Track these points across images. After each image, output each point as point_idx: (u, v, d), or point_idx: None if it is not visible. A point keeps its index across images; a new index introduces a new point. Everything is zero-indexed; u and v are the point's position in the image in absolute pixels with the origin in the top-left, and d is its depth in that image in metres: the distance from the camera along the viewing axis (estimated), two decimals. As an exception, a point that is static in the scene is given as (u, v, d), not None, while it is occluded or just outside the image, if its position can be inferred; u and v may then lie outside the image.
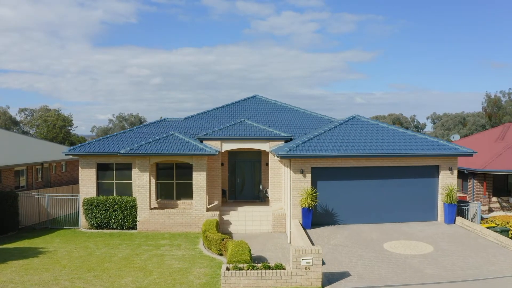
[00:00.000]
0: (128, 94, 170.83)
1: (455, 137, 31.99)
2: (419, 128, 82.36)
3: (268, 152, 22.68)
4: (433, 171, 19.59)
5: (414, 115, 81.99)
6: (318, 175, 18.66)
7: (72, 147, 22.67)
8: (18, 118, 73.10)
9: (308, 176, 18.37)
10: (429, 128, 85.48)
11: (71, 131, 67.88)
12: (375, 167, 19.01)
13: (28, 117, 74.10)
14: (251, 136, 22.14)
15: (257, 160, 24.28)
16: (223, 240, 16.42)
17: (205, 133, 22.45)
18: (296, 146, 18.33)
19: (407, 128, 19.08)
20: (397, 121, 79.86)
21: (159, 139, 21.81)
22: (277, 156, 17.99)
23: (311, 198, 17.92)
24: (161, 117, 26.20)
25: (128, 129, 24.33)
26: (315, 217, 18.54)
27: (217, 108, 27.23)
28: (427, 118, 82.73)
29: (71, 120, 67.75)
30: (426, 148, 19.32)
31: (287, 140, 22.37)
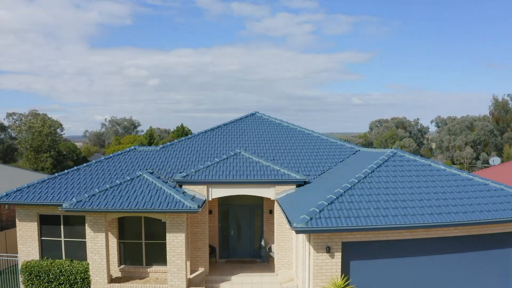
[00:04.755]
0: (125, 95, 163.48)
1: (495, 160, 25.10)
2: (423, 132, 75.41)
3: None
4: (508, 239, 12.65)
5: (418, 119, 74.92)
6: (352, 253, 11.68)
7: (4, 193, 15.64)
8: (6, 123, 65.98)
9: (338, 255, 11.38)
10: (432, 131, 78.69)
11: (62, 134, 60.77)
12: (433, 238, 12.04)
13: (17, 122, 66.98)
14: (249, 179, 15.15)
15: (258, 205, 17.29)
16: None
17: (185, 174, 15.44)
18: (320, 211, 11.27)
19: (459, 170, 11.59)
20: (401, 124, 72.93)
21: (120, 184, 14.75)
22: (291, 228, 11.05)
23: (343, 293, 10.96)
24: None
25: (84, 165, 17.15)
26: (346, 313, 11.59)
27: (206, 132, 19.92)
28: (431, 122, 75.78)
29: (61, 125, 60.67)
30: (508, 206, 12.41)
31: (300, 183, 15.41)
